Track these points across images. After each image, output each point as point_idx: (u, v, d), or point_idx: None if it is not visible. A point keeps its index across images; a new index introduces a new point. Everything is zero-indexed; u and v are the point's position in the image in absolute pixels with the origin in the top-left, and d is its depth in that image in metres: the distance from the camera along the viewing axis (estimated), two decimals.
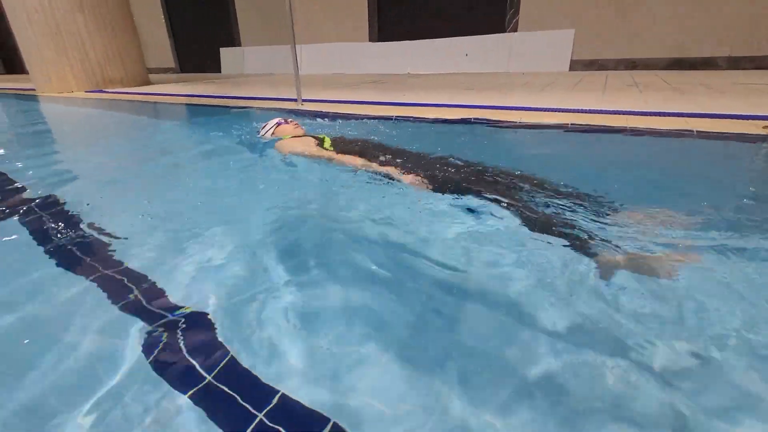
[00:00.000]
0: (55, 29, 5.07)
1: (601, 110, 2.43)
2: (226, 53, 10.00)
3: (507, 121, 2.34)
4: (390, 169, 1.48)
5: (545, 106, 2.67)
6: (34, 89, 5.72)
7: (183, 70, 11.30)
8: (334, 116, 2.87)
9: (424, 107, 2.95)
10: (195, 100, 4.01)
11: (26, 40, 5.18)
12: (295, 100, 3.30)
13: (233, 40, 9.78)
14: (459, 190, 1.30)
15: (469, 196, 1.26)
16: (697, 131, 1.83)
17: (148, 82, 6.12)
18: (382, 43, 7.67)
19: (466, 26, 6.85)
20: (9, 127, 3.62)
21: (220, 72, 10.10)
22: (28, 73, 5.69)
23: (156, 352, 0.72)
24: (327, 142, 1.83)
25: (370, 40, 7.80)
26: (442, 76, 6.35)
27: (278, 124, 2.13)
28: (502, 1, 6.36)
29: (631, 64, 5.68)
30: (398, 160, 1.57)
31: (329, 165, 1.67)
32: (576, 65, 6.02)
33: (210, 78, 7.96)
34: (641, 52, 5.57)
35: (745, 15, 4.84)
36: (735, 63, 5.09)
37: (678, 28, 5.27)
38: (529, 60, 6.33)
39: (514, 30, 6.39)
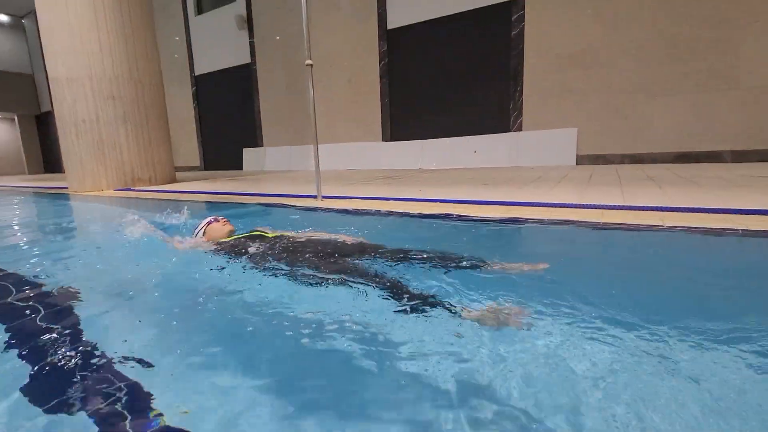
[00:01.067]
0: (98, 139, 5.54)
1: (631, 206, 2.39)
2: (248, 152, 10.76)
3: (533, 219, 2.30)
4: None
5: (568, 202, 2.66)
6: (66, 187, 6.05)
7: (207, 168, 12.09)
8: (355, 212, 2.88)
9: (444, 203, 2.96)
10: (217, 198, 4.14)
11: (70, 146, 5.63)
12: (315, 197, 3.37)
13: (255, 141, 10.59)
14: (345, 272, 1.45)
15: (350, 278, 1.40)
16: (742, 230, 1.74)
17: (174, 180, 6.46)
18: (395, 142, 8.22)
19: (472, 127, 7.36)
20: (31, 221, 3.74)
21: (242, 169, 10.76)
22: (63, 172, 6.10)
23: None
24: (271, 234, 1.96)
25: (383, 140, 8.38)
26: (452, 171, 6.63)
27: (209, 222, 2.10)
28: (506, 105, 6.91)
29: (637, 159, 5.89)
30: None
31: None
32: (582, 159, 6.27)
33: (232, 175, 8.44)
34: (645, 148, 5.82)
35: (747, 111, 5.11)
36: (740, 156, 5.23)
37: (680, 125, 5.55)
38: (536, 155, 6.63)
39: (519, 129, 6.82)
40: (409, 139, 8.06)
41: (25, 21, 17.70)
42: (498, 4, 6.75)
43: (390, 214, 2.72)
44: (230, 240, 1.96)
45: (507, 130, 6.96)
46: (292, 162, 9.76)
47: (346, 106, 8.62)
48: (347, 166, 8.69)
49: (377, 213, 2.77)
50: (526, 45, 6.53)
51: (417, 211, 2.69)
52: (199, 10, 11.27)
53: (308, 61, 3.08)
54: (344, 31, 8.30)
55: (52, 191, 6.45)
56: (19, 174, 18.63)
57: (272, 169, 10.04)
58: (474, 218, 2.43)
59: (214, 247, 1.92)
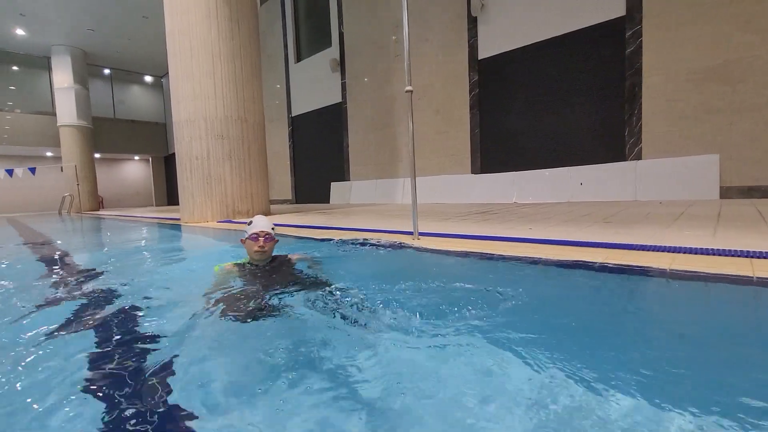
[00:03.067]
0: (207, 174, 6.02)
1: None
2: (336, 186, 11.08)
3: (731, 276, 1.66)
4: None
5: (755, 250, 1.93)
6: (179, 218, 6.64)
7: (298, 200, 12.76)
8: (463, 255, 2.46)
9: (571, 246, 2.40)
10: (305, 232, 4.05)
11: (185, 181, 6.20)
12: (411, 233, 3.04)
13: (343, 175, 10.89)
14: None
15: None
16: None
17: (268, 213, 6.74)
18: (485, 174, 7.71)
19: (575, 157, 6.56)
20: (139, 246, 4.03)
21: (329, 202, 11.08)
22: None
23: None
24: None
25: (473, 172, 7.93)
26: (553, 206, 5.88)
27: (250, 236, 2.12)
28: (620, 131, 6.04)
29: None
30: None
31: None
32: (729, 192, 5.09)
33: (321, 208, 8.64)
34: None
35: None
36: None
37: None
38: (661, 188, 5.59)
39: (638, 158, 5.87)
40: (500, 171, 7.49)
41: (163, 80, 21.32)
42: (607, 22, 6.08)
43: (503, 258, 2.25)
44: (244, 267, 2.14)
45: (621, 159, 6.04)
46: (377, 195, 9.76)
47: (433, 138, 8.42)
48: (434, 200, 8.35)
49: (489, 257, 2.32)
50: (646, 62, 5.70)
51: (536, 256, 2.18)
52: (298, 58, 12.32)
53: (408, 88, 2.86)
54: (433, 63, 8.24)
55: (167, 222, 7.16)
56: (148, 206, 21.85)
57: (357, 202, 10.14)
58: (632, 267, 1.85)
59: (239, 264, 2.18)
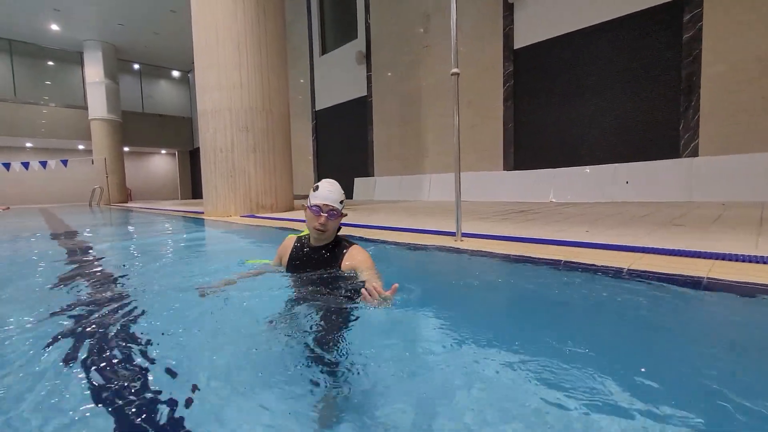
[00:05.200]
0: (231, 167, 5.85)
1: None
2: (359, 182, 10.84)
3: None
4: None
5: None
6: (202, 212, 6.52)
7: None
8: (516, 259, 2.14)
9: (646, 253, 2.05)
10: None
11: (209, 174, 6.06)
12: (453, 234, 2.73)
13: (366, 171, 10.62)
14: None
15: None
16: None
17: (292, 208, 6.54)
18: (518, 171, 7.29)
19: (620, 153, 6.07)
20: (156, 239, 3.87)
21: (352, 198, 10.85)
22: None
23: None
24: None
25: (504, 168, 7.51)
26: (595, 205, 5.43)
27: (311, 206, 1.67)
28: (674, 125, 5.52)
29: None
30: None
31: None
32: None
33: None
34: None
35: None
36: None
37: None
38: (721, 187, 5.07)
39: (694, 154, 5.34)
40: (535, 168, 7.05)
41: (189, 75, 21.57)
42: (662, 5, 5.56)
43: (574, 266, 1.92)
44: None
45: (675, 155, 5.53)
46: (401, 192, 9.45)
47: (464, 132, 8.02)
48: (463, 197, 7.97)
49: (556, 264, 1.99)
50: (706, 49, 5.17)
51: (612, 265, 1.84)
52: (324, 50, 12.10)
53: (454, 70, 2.54)
54: (466, 52, 7.83)
55: (190, 215, 7.07)
56: (173, 199, 22.23)
57: (381, 198, 9.87)
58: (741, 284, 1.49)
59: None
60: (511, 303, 1.76)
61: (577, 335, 1.23)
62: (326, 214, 1.62)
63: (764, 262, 1.75)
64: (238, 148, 5.83)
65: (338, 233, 1.78)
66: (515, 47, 7.21)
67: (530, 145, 7.22)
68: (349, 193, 11.05)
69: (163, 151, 23.59)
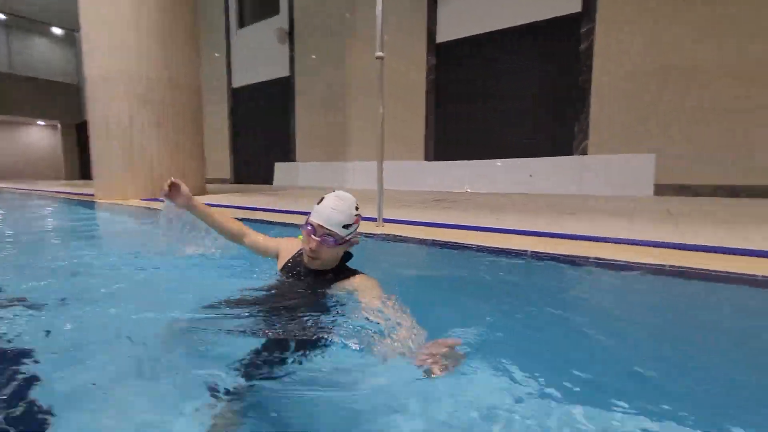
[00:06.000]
0: (129, 145, 5.16)
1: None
2: (280, 167, 10.38)
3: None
4: None
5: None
6: (92, 194, 5.67)
7: (237, 181, 11.80)
8: (432, 244, 2.22)
9: (548, 237, 2.26)
10: (250, 214, 3.58)
11: (100, 151, 5.28)
12: (375, 220, 2.73)
13: (288, 156, 10.22)
14: None
15: None
16: None
17: (204, 192, 6.02)
18: (439, 162, 7.60)
19: (527, 149, 6.67)
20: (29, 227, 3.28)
21: (272, 184, 10.36)
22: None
23: None
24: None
25: (426, 159, 7.79)
26: (505, 195, 5.92)
27: (309, 229, 1.30)
28: (570, 126, 6.20)
29: (733, 191, 5.03)
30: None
31: None
32: (663, 190, 5.44)
33: (264, 189, 8.01)
34: (743, 179, 4.97)
35: None
36: None
37: None
38: (604, 183, 5.85)
39: (584, 153, 6.08)
40: (454, 159, 7.43)
41: (77, 34, 18.44)
42: (564, 16, 6.16)
43: (483, 250, 2.04)
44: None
45: (569, 153, 6.23)
46: (325, 178, 9.28)
47: (388, 122, 8.09)
48: (385, 186, 8.09)
49: (464, 247, 2.09)
50: (596, 60, 5.87)
51: (511, 247, 2.00)
52: (242, 24, 11.23)
53: (379, 53, 2.51)
54: (391, 43, 7.86)
55: (76, 197, 6.11)
56: (56, 179, 19.04)
57: (305, 184, 9.59)
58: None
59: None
60: (428, 283, 1.81)
61: (487, 308, 1.31)
62: (319, 239, 1.25)
63: (635, 244, 2.04)
64: (137, 123, 5.15)
65: (346, 262, 1.37)
66: (438, 41, 7.45)
67: (449, 137, 7.56)
68: (268, 178, 10.53)
69: (41, 123, 19.98)
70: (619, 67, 5.69)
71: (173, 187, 1.53)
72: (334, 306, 1.22)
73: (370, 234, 2.48)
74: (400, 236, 2.39)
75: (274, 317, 1.17)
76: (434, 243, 2.21)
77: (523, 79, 6.68)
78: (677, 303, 1.52)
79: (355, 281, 1.28)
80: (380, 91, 2.56)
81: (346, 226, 1.26)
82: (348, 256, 1.37)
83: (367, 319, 1.07)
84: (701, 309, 1.46)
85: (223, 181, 11.93)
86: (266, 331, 1.10)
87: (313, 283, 1.32)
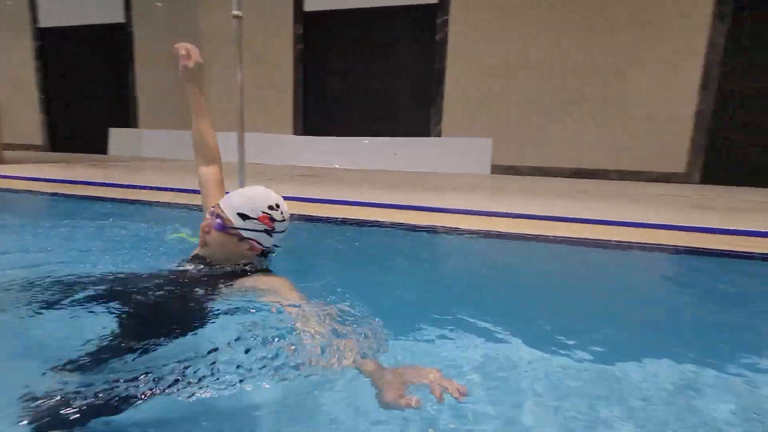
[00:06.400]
0: None
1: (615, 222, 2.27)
2: (117, 134, 8.70)
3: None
4: None
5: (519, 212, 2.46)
6: None
7: (55, 148, 9.43)
8: (299, 218, 2.22)
9: (406, 210, 2.50)
10: (71, 189, 2.97)
11: None
12: None
13: (128, 121, 8.63)
14: None
15: None
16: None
17: (1, 161, 4.67)
18: (308, 137, 7.48)
19: (391, 128, 7.09)
20: None
21: (106, 153, 8.64)
22: None
23: None
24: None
25: (295, 133, 7.56)
26: (373, 172, 6.25)
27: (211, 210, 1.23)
28: (428, 110, 6.81)
29: (543, 172, 6.33)
30: None
31: None
32: (496, 169, 6.50)
33: (97, 160, 6.62)
34: (549, 162, 6.29)
35: (632, 137, 5.85)
36: (622, 175, 5.99)
37: (578, 144, 6.11)
38: (454, 162, 6.66)
39: (439, 135, 6.78)
40: (324, 135, 7.41)
41: None
42: (424, 4, 6.61)
43: (346, 222, 2.14)
44: None
45: (427, 134, 6.87)
46: (176, 150, 8.12)
47: (250, 91, 7.51)
48: (249, 159, 7.58)
49: (334, 221, 2.16)
50: (450, 50, 6.52)
51: (376, 218, 2.17)
52: None
53: (235, 12, 2.30)
54: (251, 3, 7.21)
55: None
56: None
57: (151, 156, 8.26)
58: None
59: None
60: (291, 258, 1.82)
61: (343, 276, 1.40)
62: (210, 220, 1.13)
63: (472, 213, 2.43)
64: None
65: (256, 266, 1.18)
66: (305, 9, 7.16)
67: (319, 112, 7.48)
68: (101, 147, 8.71)
69: None
70: (468, 59, 6.44)
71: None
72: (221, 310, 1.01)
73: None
74: None
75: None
76: (298, 217, 2.21)
77: (390, 59, 6.99)
78: (503, 259, 1.88)
79: (261, 278, 1.11)
80: (238, 53, 2.37)
81: (242, 216, 1.12)
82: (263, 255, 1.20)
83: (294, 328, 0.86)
84: (516, 262, 1.84)
85: (31, 147, 9.38)
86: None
87: (197, 278, 1.12)
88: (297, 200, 2.72)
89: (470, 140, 6.61)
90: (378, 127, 7.16)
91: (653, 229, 2.36)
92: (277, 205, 1.17)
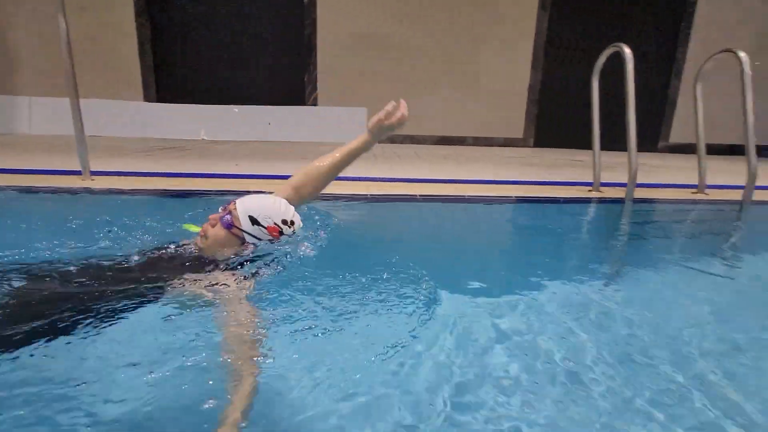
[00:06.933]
0: None
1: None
2: None
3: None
4: None
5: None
6: None
7: None
8: (162, 194, 2.04)
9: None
10: None
11: None
12: (80, 173, 2.19)
13: None
14: None
15: None
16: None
17: None
18: (164, 104, 6.55)
19: (264, 96, 6.71)
20: None
21: None
22: None
23: None
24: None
25: (146, 99, 6.54)
26: (246, 143, 5.89)
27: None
28: (301, 77, 6.61)
29: (415, 140, 6.85)
30: None
31: None
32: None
33: None
34: (419, 131, 6.82)
35: (484, 108, 6.71)
36: (477, 141, 6.90)
37: (442, 113, 6.76)
38: (332, 132, 6.68)
39: (314, 104, 6.70)
40: (185, 102, 6.59)
41: None
42: None
43: (224, 194, 2.05)
44: None
45: (302, 103, 6.71)
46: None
47: (80, 47, 6.14)
48: (92, 132, 6.33)
49: (207, 194, 2.04)
50: (319, 17, 6.36)
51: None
52: None
53: None
54: None
55: None
56: None
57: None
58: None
59: None
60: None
61: None
62: (220, 215, 1.12)
63: (352, 180, 2.56)
64: None
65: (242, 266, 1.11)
66: None
67: (176, 75, 6.58)
68: None
69: None
70: (339, 26, 6.39)
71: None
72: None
73: (76, 189, 2.00)
74: (120, 189, 2.04)
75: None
76: (164, 192, 2.03)
77: (257, 21, 6.47)
78: (374, 220, 2.06)
79: (218, 277, 1.03)
80: (61, 2, 1.96)
81: (252, 220, 1.11)
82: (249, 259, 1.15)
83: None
84: (392, 221, 2.05)
85: None
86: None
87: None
88: (157, 176, 2.46)
89: (346, 110, 6.70)
90: (250, 96, 6.69)
91: (498, 185, 2.87)
92: (292, 222, 1.18)
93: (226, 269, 1.07)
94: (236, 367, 0.75)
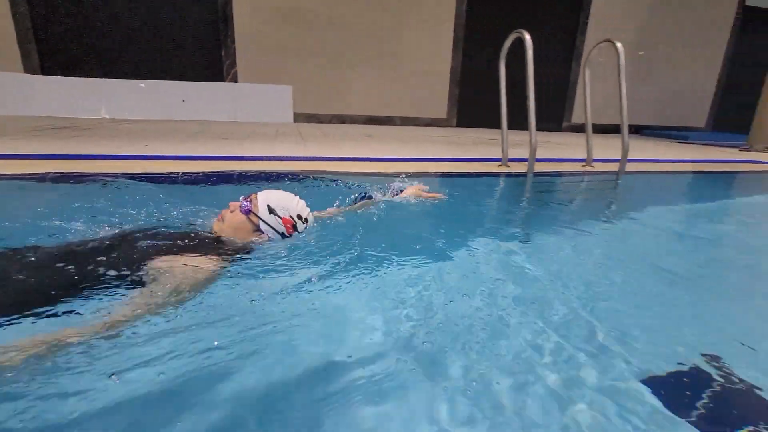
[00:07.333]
0: None
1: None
2: None
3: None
4: None
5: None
6: None
7: None
8: (58, 178, 1.83)
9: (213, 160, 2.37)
10: None
11: None
12: None
13: None
14: None
15: None
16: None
17: None
18: (51, 77, 5.68)
19: (176, 71, 6.14)
20: None
21: None
22: None
23: None
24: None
25: (27, 71, 5.61)
26: (155, 122, 5.38)
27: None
28: (218, 52, 6.14)
29: (342, 119, 6.81)
30: None
31: None
32: (299, 118, 6.59)
33: None
34: (347, 110, 6.78)
35: (407, 88, 6.85)
36: (404, 121, 7.07)
37: (370, 94, 6.77)
38: (255, 110, 6.38)
39: (234, 80, 6.29)
40: (80, 75, 5.78)
41: None
42: None
43: (134, 178, 1.90)
44: None
45: (220, 79, 6.26)
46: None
47: None
48: None
49: (114, 178, 1.86)
50: None
51: (160, 172, 2.01)
52: None
53: None
54: None
55: None
56: None
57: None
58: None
59: None
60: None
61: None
62: (240, 203, 1.17)
63: (278, 159, 2.51)
64: None
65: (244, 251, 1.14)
66: None
67: (66, 44, 5.71)
68: None
69: None
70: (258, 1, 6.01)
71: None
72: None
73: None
74: (5, 174, 1.78)
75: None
76: (63, 176, 1.82)
77: None
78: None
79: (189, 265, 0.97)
80: None
81: (269, 209, 1.17)
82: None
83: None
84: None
85: None
86: None
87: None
88: (51, 158, 2.18)
89: (269, 87, 6.40)
90: (161, 70, 6.07)
91: (423, 162, 3.01)
92: (306, 219, 1.25)
93: (222, 254, 1.07)
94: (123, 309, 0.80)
